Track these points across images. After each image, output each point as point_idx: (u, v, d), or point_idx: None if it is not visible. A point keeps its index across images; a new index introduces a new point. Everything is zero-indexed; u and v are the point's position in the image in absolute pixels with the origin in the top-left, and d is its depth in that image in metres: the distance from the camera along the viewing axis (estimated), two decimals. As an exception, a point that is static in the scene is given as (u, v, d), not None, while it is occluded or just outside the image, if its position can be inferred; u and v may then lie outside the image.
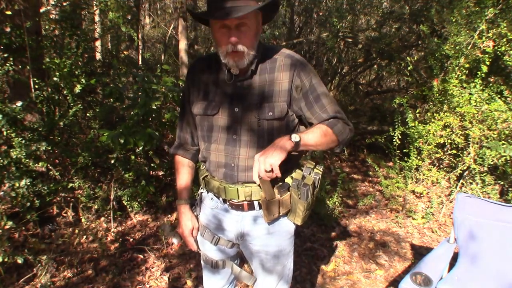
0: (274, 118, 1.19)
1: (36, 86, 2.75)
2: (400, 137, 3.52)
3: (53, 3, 3.39)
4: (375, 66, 5.93)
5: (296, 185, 1.20)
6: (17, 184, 2.33)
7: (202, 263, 1.49)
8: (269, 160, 1.05)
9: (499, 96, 3.25)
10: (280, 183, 1.22)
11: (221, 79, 1.25)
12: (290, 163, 1.20)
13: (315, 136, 1.15)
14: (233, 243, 1.39)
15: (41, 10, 3.19)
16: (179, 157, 1.43)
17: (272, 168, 1.05)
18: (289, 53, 1.24)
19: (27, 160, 2.45)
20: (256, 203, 1.27)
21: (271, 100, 1.19)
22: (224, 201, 1.31)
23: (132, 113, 2.88)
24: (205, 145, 1.30)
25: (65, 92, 2.91)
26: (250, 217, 1.31)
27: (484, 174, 3.23)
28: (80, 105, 2.92)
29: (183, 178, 1.43)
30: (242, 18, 1.08)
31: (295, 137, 1.10)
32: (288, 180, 1.24)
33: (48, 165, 2.70)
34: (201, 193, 1.42)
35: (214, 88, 1.27)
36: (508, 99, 3.25)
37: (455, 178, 3.56)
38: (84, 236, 2.70)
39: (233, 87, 1.23)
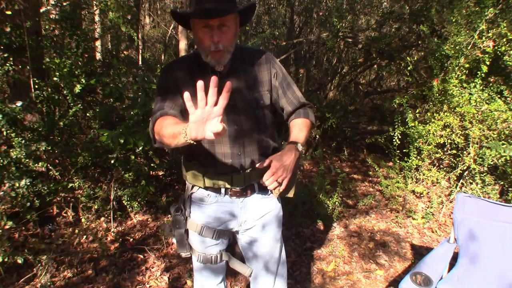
0: (265, 105, 1.35)
1: (36, 86, 2.75)
2: (400, 137, 3.51)
3: (53, 3, 3.38)
4: (375, 66, 5.92)
5: None
6: (17, 184, 2.33)
7: (198, 264, 1.51)
8: (286, 179, 1.25)
9: (499, 96, 3.25)
10: None
11: (207, 78, 1.25)
12: (273, 144, 1.42)
13: (305, 134, 1.36)
14: (232, 232, 1.46)
15: (41, 10, 3.19)
16: (162, 117, 1.20)
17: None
18: (260, 49, 1.46)
19: (27, 160, 2.45)
20: (255, 185, 1.38)
21: (259, 90, 1.34)
22: (226, 191, 1.36)
23: (132, 113, 2.88)
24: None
25: (65, 92, 2.91)
26: (252, 202, 1.40)
27: (484, 174, 3.23)
28: (80, 105, 2.92)
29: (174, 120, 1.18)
30: (224, 18, 1.17)
31: (299, 146, 1.30)
32: None
33: (48, 165, 2.70)
34: (192, 194, 1.40)
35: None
36: (508, 99, 3.25)
37: (455, 178, 3.56)
38: (84, 236, 2.70)
39: (220, 84, 1.24)
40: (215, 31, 1.17)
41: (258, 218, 1.43)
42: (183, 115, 1.20)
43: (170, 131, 1.06)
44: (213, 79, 0.88)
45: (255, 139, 1.34)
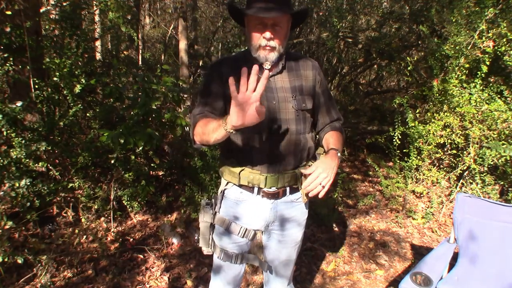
0: (307, 109, 1.38)
1: (36, 86, 2.75)
2: (400, 137, 3.52)
3: (53, 3, 3.38)
4: (375, 66, 5.92)
5: None
6: (17, 184, 2.33)
7: (217, 263, 1.52)
8: (329, 183, 1.23)
9: (499, 96, 3.25)
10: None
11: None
12: (311, 152, 1.43)
13: (340, 146, 1.38)
14: (256, 232, 1.47)
15: (41, 10, 3.19)
16: (202, 119, 1.29)
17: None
18: (307, 57, 1.50)
19: (27, 160, 2.45)
20: (287, 189, 1.40)
21: (302, 93, 1.37)
22: (258, 191, 1.38)
23: (132, 113, 2.88)
24: (248, 135, 1.33)
25: (65, 92, 2.91)
26: (282, 205, 1.42)
27: (484, 174, 3.23)
28: (80, 105, 2.92)
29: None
30: (278, 19, 1.24)
31: (339, 153, 1.32)
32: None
33: (48, 165, 2.70)
34: (225, 190, 1.44)
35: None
36: (508, 99, 3.25)
37: (455, 178, 3.56)
38: (84, 236, 2.70)
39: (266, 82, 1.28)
40: (268, 28, 1.24)
41: (285, 221, 1.46)
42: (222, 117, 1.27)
43: (210, 126, 1.18)
44: (255, 67, 0.98)
45: (293, 139, 1.35)
